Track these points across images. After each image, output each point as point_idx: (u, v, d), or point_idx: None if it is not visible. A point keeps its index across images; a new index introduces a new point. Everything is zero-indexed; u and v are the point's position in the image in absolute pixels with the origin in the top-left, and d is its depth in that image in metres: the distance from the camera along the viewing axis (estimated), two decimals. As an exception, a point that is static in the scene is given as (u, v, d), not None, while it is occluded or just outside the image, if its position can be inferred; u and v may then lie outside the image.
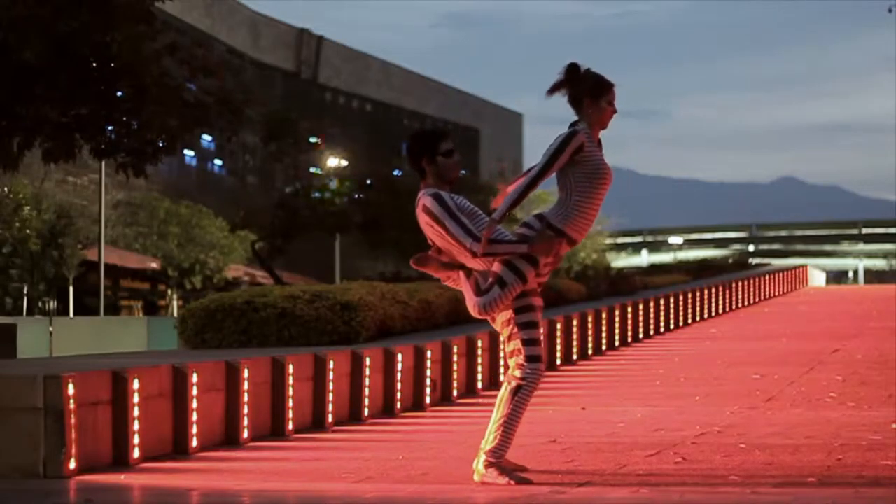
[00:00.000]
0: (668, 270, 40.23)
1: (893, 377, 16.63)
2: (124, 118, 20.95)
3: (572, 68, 8.42)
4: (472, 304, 8.40)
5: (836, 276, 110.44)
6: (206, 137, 66.36)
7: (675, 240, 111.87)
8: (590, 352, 21.01)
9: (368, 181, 44.58)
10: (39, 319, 35.86)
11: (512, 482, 8.23)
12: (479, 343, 16.33)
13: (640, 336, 24.33)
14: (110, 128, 21.07)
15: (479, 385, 16.27)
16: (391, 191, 44.09)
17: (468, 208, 8.37)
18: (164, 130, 21.06)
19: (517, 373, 8.32)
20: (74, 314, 44.76)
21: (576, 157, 8.30)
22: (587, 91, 8.38)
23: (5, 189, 39.26)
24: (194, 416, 10.70)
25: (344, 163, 45.56)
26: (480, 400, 15.26)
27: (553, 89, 8.45)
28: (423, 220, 8.39)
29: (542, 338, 8.42)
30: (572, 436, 11.27)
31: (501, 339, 8.56)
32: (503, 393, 8.35)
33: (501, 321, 8.40)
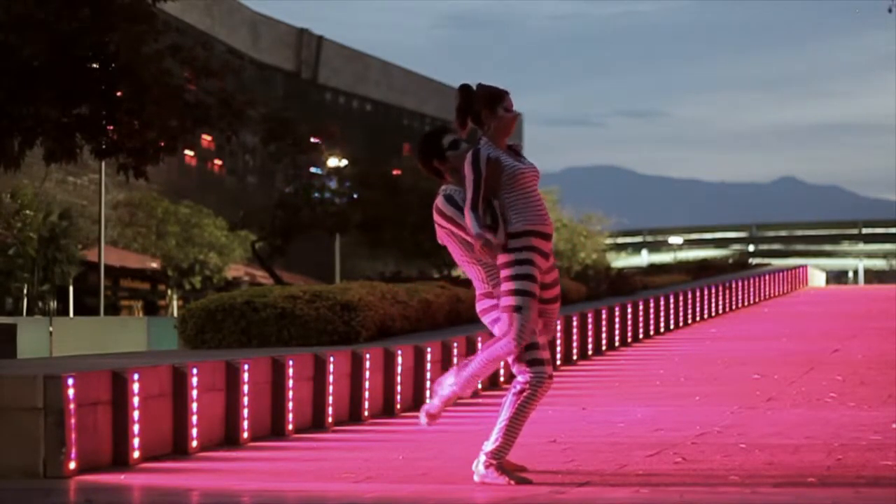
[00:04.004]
0: (668, 270, 40.19)
1: (893, 377, 16.62)
2: (125, 118, 20.96)
3: (464, 89, 8.53)
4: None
5: (836, 276, 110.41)
6: (206, 137, 66.37)
7: (675, 240, 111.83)
8: (590, 352, 21.01)
9: (368, 180, 44.55)
10: (39, 319, 35.87)
11: (512, 482, 8.23)
12: (479, 343, 16.32)
13: (640, 336, 24.32)
14: (111, 128, 21.07)
15: (479, 385, 16.26)
16: (391, 190, 44.07)
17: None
18: (165, 130, 21.07)
19: (521, 377, 8.33)
20: (74, 314, 44.78)
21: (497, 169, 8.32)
22: (483, 104, 8.46)
23: (9, 195, 39.30)
24: (194, 417, 10.71)
25: (344, 163, 45.55)
26: (480, 400, 15.26)
27: (461, 119, 8.49)
28: (435, 219, 8.50)
29: (543, 341, 8.40)
30: (572, 436, 11.28)
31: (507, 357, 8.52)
32: (508, 395, 8.36)
33: (500, 329, 8.38)
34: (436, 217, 8.50)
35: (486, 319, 8.53)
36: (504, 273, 8.29)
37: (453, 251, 8.54)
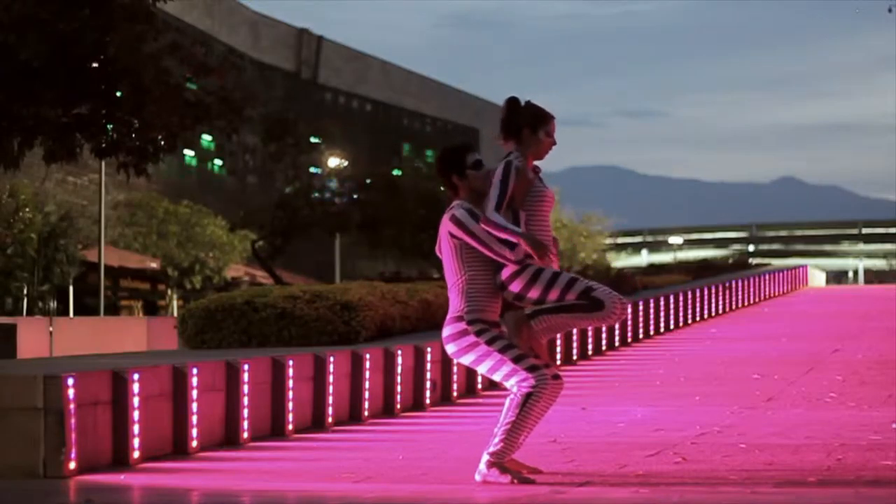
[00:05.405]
0: (668, 270, 40.17)
1: (893, 377, 16.62)
2: (125, 118, 20.95)
3: (512, 103, 8.53)
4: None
5: (836, 276, 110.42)
6: (207, 137, 66.35)
7: (675, 240, 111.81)
8: (590, 352, 21.01)
9: (368, 181, 44.58)
10: (39, 319, 35.85)
11: (516, 481, 8.22)
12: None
13: (640, 336, 24.32)
14: (111, 127, 21.06)
15: (479, 385, 16.27)
16: (391, 191, 44.10)
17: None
18: (165, 129, 21.06)
19: (525, 383, 8.30)
20: (74, 314, 44.74)
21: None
22: (527, 122, 8.47)
23: (7, 194, 39.31)
24: (194, 417, 10.71)
25: (344, 163, 45.56)
26: (480, 400, 15.27)
27: (504, 132, 8.49)
28: (447, 229, 8.37)
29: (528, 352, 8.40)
30: (572, 436, 11.27)
31: (495, 377, 8.47)
32: (516, 399, 8.30)
33: (471, 360, 8.37)
34: (451, 228, 8.33)
35: (452, 347, 8.37)
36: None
37: (447, 267, 8.41)
